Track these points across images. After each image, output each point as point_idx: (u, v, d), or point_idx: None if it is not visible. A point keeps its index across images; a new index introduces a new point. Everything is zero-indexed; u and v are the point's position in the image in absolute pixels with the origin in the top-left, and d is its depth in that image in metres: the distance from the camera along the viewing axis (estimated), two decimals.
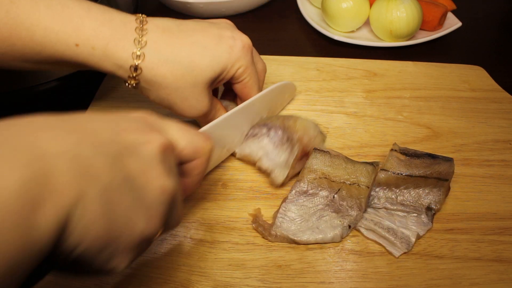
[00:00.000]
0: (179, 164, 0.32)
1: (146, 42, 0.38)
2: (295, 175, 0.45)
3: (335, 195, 0.41)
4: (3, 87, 0.54)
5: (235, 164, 0.47)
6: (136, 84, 0.40)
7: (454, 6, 0.72)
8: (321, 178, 0.42)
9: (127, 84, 0.40)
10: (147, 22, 0.39)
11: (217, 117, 0.44)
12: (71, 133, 0.23)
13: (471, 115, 0.54)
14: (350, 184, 0.42)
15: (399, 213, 0.41)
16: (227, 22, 0.44)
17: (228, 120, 0.43)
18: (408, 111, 0.54)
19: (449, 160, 0.43)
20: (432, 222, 0.41)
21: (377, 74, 0.60)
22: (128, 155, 0.25)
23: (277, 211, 0.41)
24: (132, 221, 0.25)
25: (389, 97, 0.56)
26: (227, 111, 0.45)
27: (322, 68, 0.60)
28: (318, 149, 0.44)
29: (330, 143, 0.50)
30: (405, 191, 0.42)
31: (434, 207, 0.41)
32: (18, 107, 0.56)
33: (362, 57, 0.63)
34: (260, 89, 0.46)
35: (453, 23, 0.69)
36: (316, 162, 0.43)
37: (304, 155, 0.44)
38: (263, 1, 0.78)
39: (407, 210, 0.41)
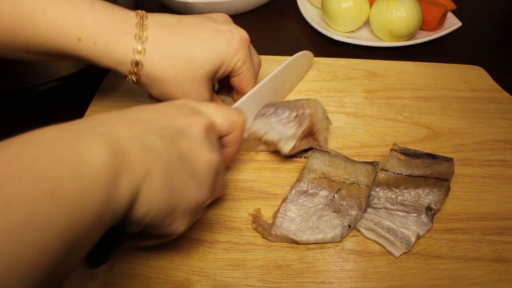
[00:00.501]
0: (218, 138, 0.36)
1: (146, 37, 0.39)
2: (299, 152, 0.46)
3: (335, 195, 0.41)
4: (3, 87, 0.54)
5: (235, 164, 0.47)
6: (137, 79, 0.40)
7: (454, 6, 0.72)
8: (321, 177, 0.42)
9: (128, 79, 0.41)
10: (147, 17, 0.40)
11: None
12: (136, 123, 0.28)
13: (471, 115, 0.54)
14: (350, 183, 0.42)
15: (399, 213, 0.41)
16: (224, 16, 0.45)
17: (256, 94, 0.45)
18: (408, 111, 0.54)
19: (449, 160, 0.43)
20: (432, 222, 0.41)
21: (377, 74, 0.60)
22: (180, 136, 0.30)
23: (277, 211, 0.41)
24: (187, 191, 0.30)
25: (389, 97, 0.56)
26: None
27: (322, 68, 0.60)
28: (318, 149, 0.44)
29: (330, 143, 0.50)
30: (405, 191, 0.42)
31: (434, 207, 0.41)
32: (18, 107, 0.56)
33: (362, 57, 0.63)
34: (256, 82, 0.47)
35: (453, 23, 0.69)
36: (316, 162, 0.43)
37: (309, 134, 0.45)
38: (263, 1, 0.78)
39: (407, 210, 0.41)
